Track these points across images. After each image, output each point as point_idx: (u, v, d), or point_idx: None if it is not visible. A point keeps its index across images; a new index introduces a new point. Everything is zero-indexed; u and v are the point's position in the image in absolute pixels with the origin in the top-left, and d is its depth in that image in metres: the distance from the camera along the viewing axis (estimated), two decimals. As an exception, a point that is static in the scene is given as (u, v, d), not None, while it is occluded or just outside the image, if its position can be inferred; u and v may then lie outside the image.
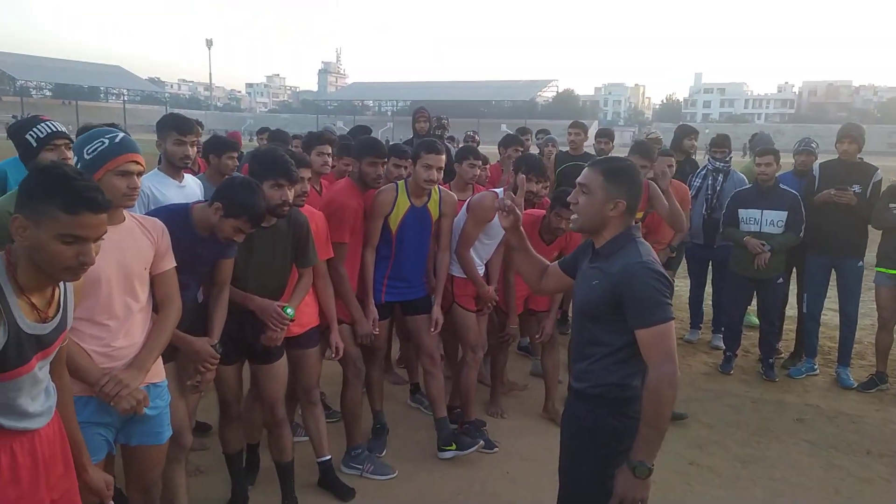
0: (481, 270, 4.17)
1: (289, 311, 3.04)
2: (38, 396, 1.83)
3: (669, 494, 3.59)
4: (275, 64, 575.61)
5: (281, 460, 3.34)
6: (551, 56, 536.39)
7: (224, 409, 3.26)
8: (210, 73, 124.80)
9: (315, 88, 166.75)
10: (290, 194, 2.95)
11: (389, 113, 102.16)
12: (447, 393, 4.20)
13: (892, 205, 4.90)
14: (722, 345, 5.69)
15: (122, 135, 2.47)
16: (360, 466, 3.72)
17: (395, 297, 3.88)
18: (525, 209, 4.20)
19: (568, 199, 2.26)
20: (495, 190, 4.10)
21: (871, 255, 5.28)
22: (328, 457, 3.52)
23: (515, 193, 3.96)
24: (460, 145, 6.99)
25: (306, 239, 3.18)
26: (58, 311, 1.84)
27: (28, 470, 1.80)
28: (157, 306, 2.50)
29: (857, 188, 5.05)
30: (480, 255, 4.14)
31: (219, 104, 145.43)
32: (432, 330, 3.90)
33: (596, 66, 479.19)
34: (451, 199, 3.96)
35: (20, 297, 1.71)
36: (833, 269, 5.29)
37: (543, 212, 4.23)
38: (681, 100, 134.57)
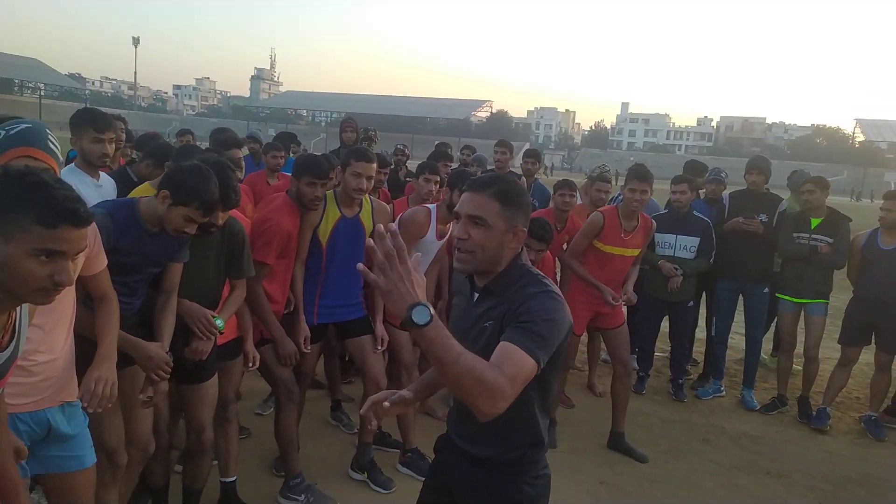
0: None
1: (219, 321, 2.83)
2: None
3: (579, 514, 3.61)
4: (205, 67, 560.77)
5: (193, 486, 3.12)
6: (487, 77, 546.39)
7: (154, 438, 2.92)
8: (135, 72, 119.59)
9: (247, 94, 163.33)
10: (223, 217, 2.73)
11: (323, 123, 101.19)
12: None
13: (795, 234, 5.17)
14: (636, 365, 5.83)
15: (22, 126, 2.21)
16: (298, 498, 3.46)
17: (328, 318, 3.67)
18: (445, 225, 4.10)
19: (455, 234, 1.82)
20: (428, 206, 4.01)
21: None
22: (233, 478, 3.33)
23: (449, 207, 3.88)
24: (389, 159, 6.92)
25: (241, 249, 2.98)
26: (12, 337, 1.62)
27: None
28: (94, 303, 2.33)
29: (763, 217, 5.31)
30: None
31: (143, 104, 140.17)
32: (378, 348, 3.70)
33: (530, 90, 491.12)
34: (384, 209, 3.82)
35: None
36: (741, 295, 5.52)
37: None
38: (609, 127, 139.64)
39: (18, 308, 1.64)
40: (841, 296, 5.55)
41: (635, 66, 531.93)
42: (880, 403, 5.19)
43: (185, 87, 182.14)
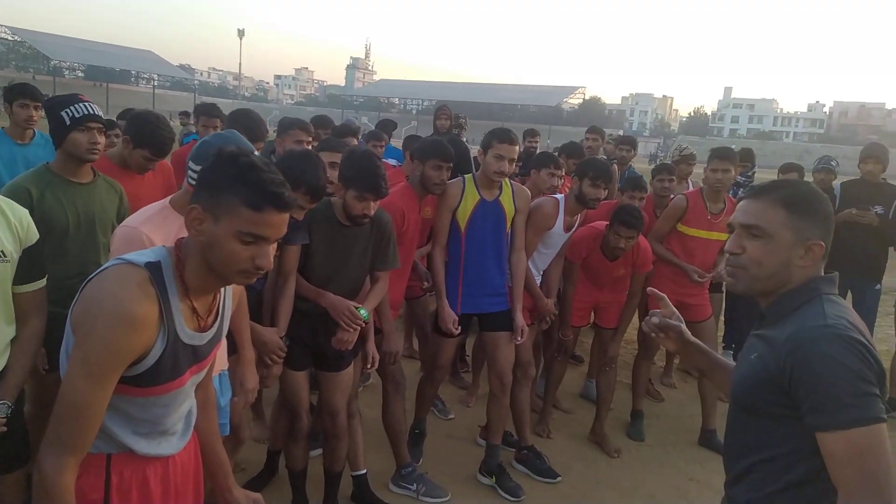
0: (539, 281, 3.95)
1: (363, 312, 2.85)
2: (183, 416, 1.65)
3: (666, 509, 3.54)
4: (304, 57, 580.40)
5: (333, 470, 3.19)
6: (579, 63, 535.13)
7: (294, 422, 3.07)
8: (240, 63, 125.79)
9: (342, 83, 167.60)
10: (374, 207, 2.82)
11: (414, 111, 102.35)
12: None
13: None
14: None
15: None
16: (411, 486, 3.48)
17: (473, 308, 3.57)
18: (585, 214, 3.96)
19: (726, 248, 1.61)
20: (556, 196, 3.89)
21: (889, 277, 5.18)
22: (363, 471, 3.34)
23: (577, 198, 3.75)
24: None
25: (388, 240, 3.02)
26: (216, 318, 1.65)
27: (159, 499, 1.61)
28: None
29: (879, 209, 4.96)
30: (538, 266, 3.93)
31: (246, 94, 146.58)
32: (518, 339, 3.60)
33: (624, 76, 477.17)
34: (525, 194, 3.64)
35: (183, 300, 1.51)
36: (849, 291, 5.20)
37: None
38: (709, 113, 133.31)
39: (223, 290, 1.66)
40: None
41: (740, 49, 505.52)
42: None
43: (286, 77, 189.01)
